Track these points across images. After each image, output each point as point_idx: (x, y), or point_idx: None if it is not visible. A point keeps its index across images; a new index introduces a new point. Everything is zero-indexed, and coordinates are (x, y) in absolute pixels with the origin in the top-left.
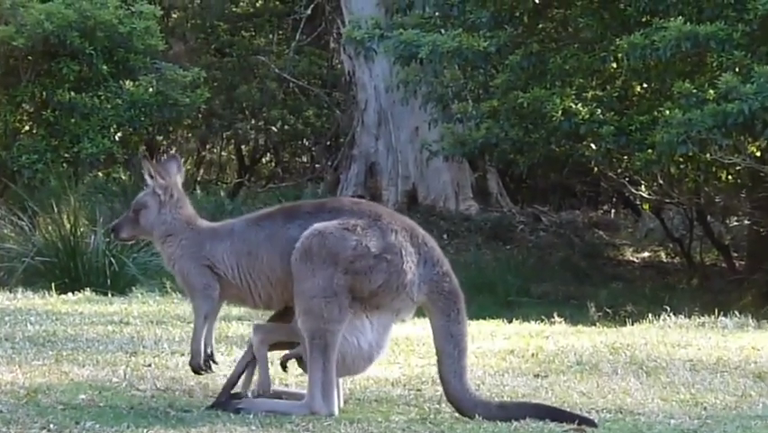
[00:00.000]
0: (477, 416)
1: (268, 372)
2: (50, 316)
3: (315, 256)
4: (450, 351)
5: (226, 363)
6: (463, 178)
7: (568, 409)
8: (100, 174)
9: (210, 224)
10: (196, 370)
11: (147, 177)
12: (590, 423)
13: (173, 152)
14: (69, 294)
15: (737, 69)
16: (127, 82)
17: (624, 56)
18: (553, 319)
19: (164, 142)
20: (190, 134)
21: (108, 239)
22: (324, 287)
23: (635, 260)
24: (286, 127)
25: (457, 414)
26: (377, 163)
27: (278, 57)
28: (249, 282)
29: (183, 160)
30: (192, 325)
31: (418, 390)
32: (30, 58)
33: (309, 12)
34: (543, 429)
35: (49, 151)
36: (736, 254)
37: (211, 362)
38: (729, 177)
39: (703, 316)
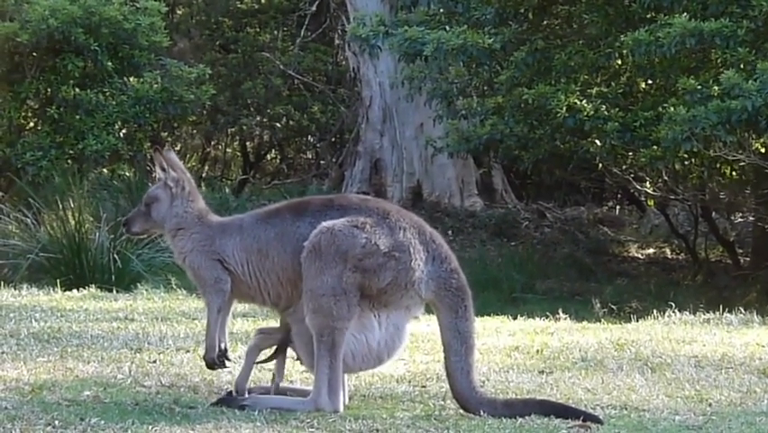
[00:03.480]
0: (482, 413)
1: (249, 375)
2: (55, 312)
3: (324, 254)
4: (457, 348)
5: (231, 358)
6: (468, 174)
7: (573, 406)
8: (105, 171)
9: (220, 219)
10: (211, 365)
11: (159, 170)
12: (596, 420)
13: (167, 147)
14: (74, 291)
15: (741, 66)
16: (132, 78)
17: (628, 52)
18: (557, 316)
19: (169, 139)
20: (195, 131)
21: (113, 235)
22: (333, 285)
23: (639, 256)
24: (291, 123)
25: (462, 411)
26: (381, 160)
27: (282, 53)
28: (259, 280)
29: (188, 156)
30: (203, 321)
31: (423, 386)
32: (34, 54)
33: (314, 8)
34: (548, 426)
35: (53, 147)
36: (740, 251)
37: (224, 358)
38: (734, 173)
39: (708, 312)
